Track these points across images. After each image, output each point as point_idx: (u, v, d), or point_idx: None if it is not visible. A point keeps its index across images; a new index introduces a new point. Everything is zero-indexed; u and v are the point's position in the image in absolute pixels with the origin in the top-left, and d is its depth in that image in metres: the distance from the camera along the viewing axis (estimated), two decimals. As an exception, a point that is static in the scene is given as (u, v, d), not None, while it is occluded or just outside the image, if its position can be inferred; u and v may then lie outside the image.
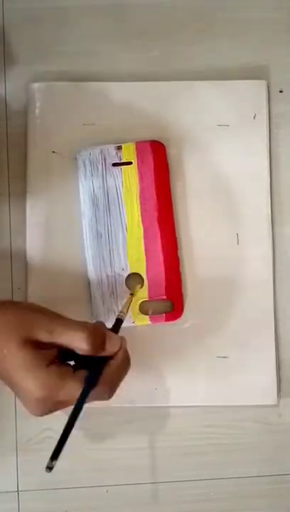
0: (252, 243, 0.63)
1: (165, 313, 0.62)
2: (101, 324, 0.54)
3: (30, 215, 0.63)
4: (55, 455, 0.49)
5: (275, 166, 0.64)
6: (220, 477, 0.63)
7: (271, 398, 0.62)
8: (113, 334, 0.53)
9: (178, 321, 0.62)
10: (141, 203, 0.62)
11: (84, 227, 0.62)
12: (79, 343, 0.50)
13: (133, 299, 0.61)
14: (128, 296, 0.60)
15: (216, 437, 0.63)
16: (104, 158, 0.62)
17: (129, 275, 0.62)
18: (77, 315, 0.60)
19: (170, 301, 0.62)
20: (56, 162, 0.63)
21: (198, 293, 0.62)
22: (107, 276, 0.61)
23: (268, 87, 0.64)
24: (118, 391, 0.60)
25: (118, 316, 0.57)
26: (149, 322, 0.61)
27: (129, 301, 0.59)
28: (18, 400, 0.61)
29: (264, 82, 0.64)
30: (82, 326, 0.51)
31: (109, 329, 0.55)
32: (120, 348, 0.53)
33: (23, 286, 0.63)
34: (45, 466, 0.48)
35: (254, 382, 0.62)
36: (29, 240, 0.63)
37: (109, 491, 0.63)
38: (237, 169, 0.63)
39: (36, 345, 0.50)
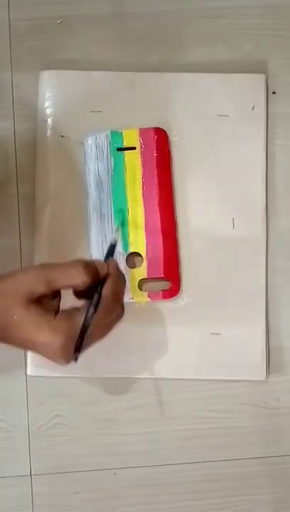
0: (247, 228, 0.65)
1: (162, 291, 0.64)
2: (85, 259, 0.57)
3: (39, 195, 0.65)
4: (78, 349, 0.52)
5: (271, 164, 0.67)
6: (221, 459, 0.66)
7: (260, 374, 0.64)
8: (98, 260, 0.56)
9: (174, 298, 0.64)
10: (143, 187, 0.65)
11: (88, 208, 0.65)
12: (77, 278, 0.53)
13: (133, 276, 0.64)
14: (118, 228, 0.64)
15: (217, 421, 0.66)
16: (109, 143, 0.65)
17: (130, 254, 0.64)
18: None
19: (168, 279, 0.65)
20: (64, 146, 0.65)
21: (195, 273, 0.65)
22: (109, 253, 0.64)
23: (266, 81, 0.66)
24: (116, 362, 0.63)
25: (111, 242, 0.60)
26: (147, 299, 0.64)
27: (119, 233, 0.63)
28: (30, 385, 0.65)
29: (262, 76, 0.66)
30: (73, 263, 0.53)
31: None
32: (110, 268, 0.55)
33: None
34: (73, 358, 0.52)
35: (244, 359, 0.64)
36: (37, 219, 0.65)
37: (117, 474, 0.65)
38: (235, 157, 0.65)
39: (40, 301, 0.52)
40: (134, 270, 0.64)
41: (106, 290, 0.54)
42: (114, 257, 0.60)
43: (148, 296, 0.64)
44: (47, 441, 0.65)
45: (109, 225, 0.64)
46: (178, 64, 0.67)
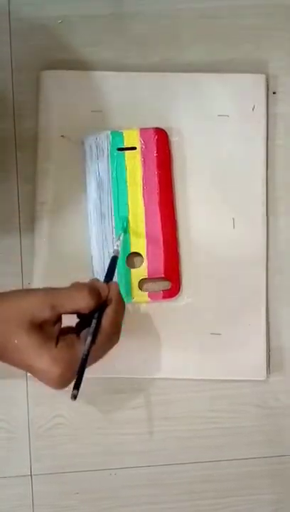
0: (247, 228, 0.65)
1: (162, 290, 0.64)
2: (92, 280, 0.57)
3: (39, 195, 0.65)
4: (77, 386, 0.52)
5: (271, 164, 0.66)
6: (221, 459, 0.66)
7: (260, 374, 0.64)
8: (100, 283, 0.56)
9: (174, 299, 0.64)
10: (143, 187, 0.65)
11: (89, 208, 0.65)
12: (82, 302, 0.53)
13: (134, 276, 0.64)
14: (121, 234, 0.63)
15: (217, 421, 0.66)
16: (110, 143, 0.65)
17: (130, 254, 0.64)
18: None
19: (168, 279, 0.64)
20: (64, 146, 0.65)
21: (195, 273, 0.65)
22: (109, 254, 0.63)
23: (267, 81, 0.66)
24: (116, 362, 0.63)
25: (113, 253, 0.61)
26: (148, 299, 0.64)
27: (120, 238, 0.63)
28: (30, 385, 0.65)
29: (263, 76, 0.66)
30: (78, 288, 0.54)
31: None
32: (112, 292, 0.56)
33: (32, 282, 0.65)
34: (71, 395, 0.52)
35: (244, 359, 0.64)
36: (37, 219, 0.65)
37: (117, 474, 0.65)
38: (236, 157, 0.65)
39: (41, 326, 0.52)
40: (134, 270, 0.64)
41: (106, 320, 0.55)
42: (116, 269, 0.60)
43: (149, 296, 0.64)
44: (48, 441, 0.65)
45: (110, 225, 0.64)
46: (178, 64, 0.67)
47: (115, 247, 0.61)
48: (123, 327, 0.64)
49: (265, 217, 0.66)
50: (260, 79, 0.66)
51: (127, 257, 0.65)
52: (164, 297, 0.64)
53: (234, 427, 0.66)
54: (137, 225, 0.64)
